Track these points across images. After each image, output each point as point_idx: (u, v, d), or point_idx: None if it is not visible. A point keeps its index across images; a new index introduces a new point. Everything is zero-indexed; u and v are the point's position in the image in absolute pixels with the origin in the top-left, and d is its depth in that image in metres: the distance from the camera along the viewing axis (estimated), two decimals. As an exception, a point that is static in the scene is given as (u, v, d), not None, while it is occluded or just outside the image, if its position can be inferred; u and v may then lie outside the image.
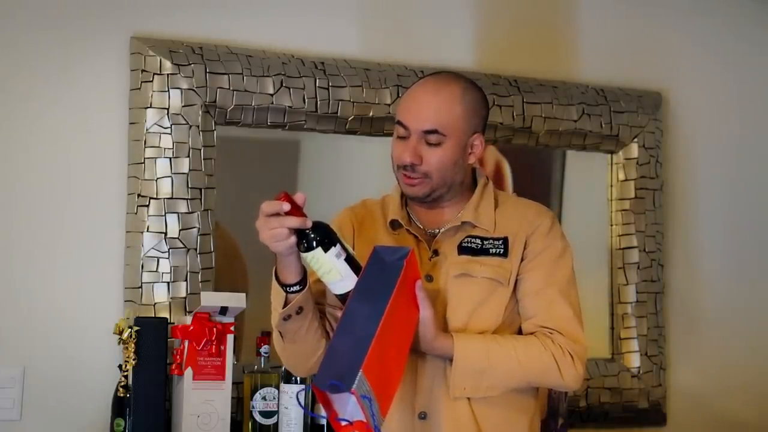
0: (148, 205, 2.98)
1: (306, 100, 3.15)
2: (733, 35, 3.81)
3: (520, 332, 2.44)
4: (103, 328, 2.87)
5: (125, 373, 2.78)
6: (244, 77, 3.08)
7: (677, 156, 3.71)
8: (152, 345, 2.78)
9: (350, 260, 2.23)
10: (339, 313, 2.27)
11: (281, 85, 3.13)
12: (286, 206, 2.19)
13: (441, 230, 2.46)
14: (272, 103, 3.12)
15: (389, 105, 3.23)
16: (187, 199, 3.01)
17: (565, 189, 3.57)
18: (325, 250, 2.20)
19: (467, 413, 2.37)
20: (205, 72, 3.04)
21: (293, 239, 2.20)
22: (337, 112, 3.19)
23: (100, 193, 3.00)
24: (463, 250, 2.44)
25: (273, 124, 3.15)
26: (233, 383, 2.87)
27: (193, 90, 3.02)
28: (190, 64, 3.03)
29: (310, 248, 2.20)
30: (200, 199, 3.03)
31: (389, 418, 2.22)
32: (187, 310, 2.96)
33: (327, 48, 3.25)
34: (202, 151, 3.04)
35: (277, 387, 2.92)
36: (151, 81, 3.00)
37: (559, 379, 2.38)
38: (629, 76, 3.64)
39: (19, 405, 2.89)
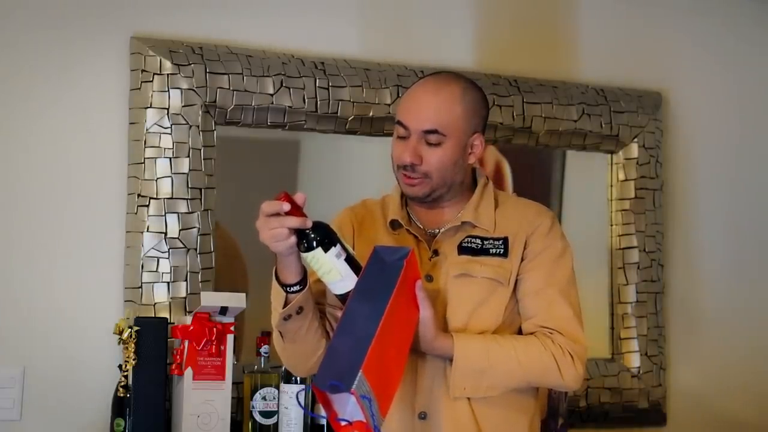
0: (148, 205, 2.98)
1: (306, 100, 3.15)
2: (733, 35, 3.81)
3: (520, 332, 2.44)
4: (103, 328, 2.87)
5: (125, 373, 2.78)
6: (244, 77, 3.08)
7: (677, 156, 3.71)
8: (152, 345, 2.78)
9: (350, 260, 2.23)
10: (339, 313, 2.27)
11: (281, 85, 3.13)
12: (286, 206, 2.19)
13: (441, 230, 2.46)
14: (272, 103, 3.12)
15: (389, 105, 3.23)
16: (187, 199, 3.01)
17: (565, 189, 3.57)
18: (325, 250, 2.20)
19: (467, 413, 2.37)
20: (205, 72, 3.04)
21: (293, 239, 2.20)
22: (337, 112, 3.19)
23: (100, 193, 3.00)
24: (463, 250, 2.44)
25: (273, 124, 3.15)
26: (233, 383, 2.87)
27: (193, 90, 3.02)
28: (190, 64, 3.03)
29: (310, 248, 2.20)
30: (200, 199, 3.03)
31: (389, 418, 2.22)
32: (187, 310, 2.96)
33: (327, 48, 3.25)
34: (202, 151, 3.04)
35: (277, 387, 2.92)
36: (151, 81, 3.00)
37: (559, 379, 2.38)
38: (629, 76, 3.64)
39: (19, 405, 2.89)
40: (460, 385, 2.34)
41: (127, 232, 3.00)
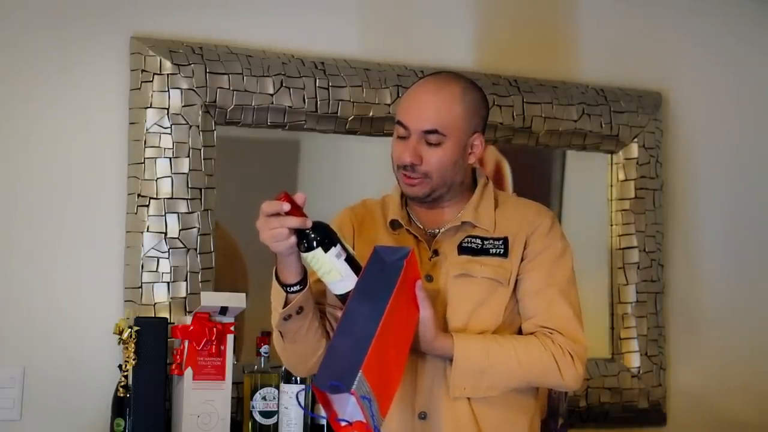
0: (148, 205, 2.98)
1: (306, 100, 3.15)
2: (733, 35, 3.81)
3: (520, 332, 2.44)
4: (103, 328, 2.87)
5: (125, 373, 2.78)
6: (244, 77, 3.08)
7: (677, 156, 3.71)
8: (152, 345, 2.78)
9: (350, 260, 2.23)
10: (339, 313, 2.27)
11: (281, 85, 3.13)
12: (287, 206, 2.19)
13: (441, 230, 2.46)
14: (272, 103, 3.12)
15: (389, 105, 3.23)
16: (187, 199, 3.01)
17: (565, 189, 3.57)
18: (326, 250, 2.20)
19: (467, 413, 2.37)
20: (205, 72, 3.04)
21: (293, 239, 2.20)
22: (337, 112, 3.19)
23: (100, 193, 3.00)
24: (463, 250, 2.44)
25: (273, 124, 3.15)
26: (233, 383, 2.87)
27: (193, 90, 3.02)
28: (190, 64, 3.03)
29: (310, 248, 2.20)
30: (200, 199, 3.03)
31: (389, 418, 2.22)
32: (187, 310, 2.96)
33: (327, 48, 3.25)
34: (202, 151, 3.04)
35: (277, 387, 2.92)
36: (151, 81, 3.00)
37: (559, 379, 2.38)
38: (629, 76, 3.64)
39: (19, 405, 2.89)
40: (460, 385, 2.34)
41: (127, 232, 3.00)
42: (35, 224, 2.93)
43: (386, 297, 2.14)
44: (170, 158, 3.00)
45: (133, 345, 2.75)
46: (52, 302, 2.93)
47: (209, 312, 2.83)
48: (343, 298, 2.22)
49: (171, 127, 3.01)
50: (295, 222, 2.19)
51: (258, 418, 2.91)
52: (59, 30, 2.98)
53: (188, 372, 2.80)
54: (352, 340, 2.08)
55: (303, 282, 2.29)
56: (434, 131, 2.39)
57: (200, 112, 3.03)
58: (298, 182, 3.26)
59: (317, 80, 3.17)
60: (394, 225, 2.48)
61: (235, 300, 2.84)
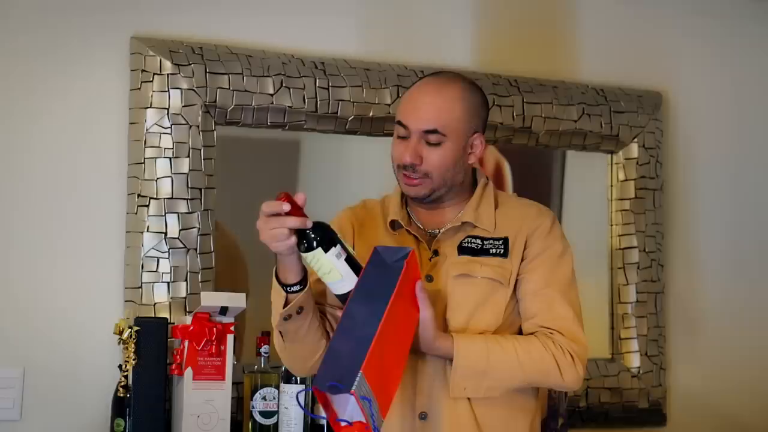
0: (148, 205, 2.98)
1: (306, 100, 3.15)
2: (733, 35, 3.81)
3: (520, 332, 2.44)
4: (103, 328, 2.87)
5: (125, 373, 2.78)
6: (244, 77, 3.08)
7: (677, 156, 3.71)
8: (152, 345, 2.78)
9: (350, 260, 2.22)
10: (339, 314, 2.27)
11: (281, 85, 3.12)
12: (287, 206, 2.18)
13: (441, 230, 2.46)
14: (272, 103, 3.12)
15: (389, 105, 3.23)
16: (187, 199, 3.01)
17: (565, 189, 3.57)
18: (326, 250, 2.20)
19: (468, 413, 2.37)
20: (205, 72, 3.04)
21: (293, 239, 2.20)
22: (337, 112, 3.19)
23: (100, 193, 3.00)
24: (463, 250, 2.44)
25: (273, 124, 3.15)
26: (233, 383, 2.87)
27: (193, 90, 3.02)
28: (190, 64, 3.03)
29: (310, 248, 2.20)
30: (200, 199, 3.03)
31: (389, 419, 2.22)
32: (187, 310, 2.96)
33: (327, 48, 3.25)
34: (202, 151, 3.03)
35: (277, 387, 2.92)
36: (151, 81, 3.00)
37: (560, 380, 2.38)
38: (629, 76, 3.64)
39: (19, 405, 2.88)
40: (461, 385, 2.34)
41: (127, 232, 3.00)
42: (35, 224, 2.93)
43: (386, 297, 2.14)
44: (170, 158, 3.00)
45: (133, 345, 2.75)
46: (52, 302, 2.93)
47: (209, 312, 2.83)
48: (343, 298, 2.22)
49: (171, 127, 3.00)
50: (295, 222, 2.19)
51: (258, 418, 2.91)
52: (59, 30, 2.98)
53: (188, 372, 2.80)
54: (352, 340, 2.08)
55: (303, 282, 2.29)
56: (434, 131, 2.39)
57: (200, 112, 3.03)
58: (298, 182, 3.26)
59: (317, 80, 3.17)
60: (394, 225, 2.48)
61: (235, 300, 2.84)
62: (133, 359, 2.75)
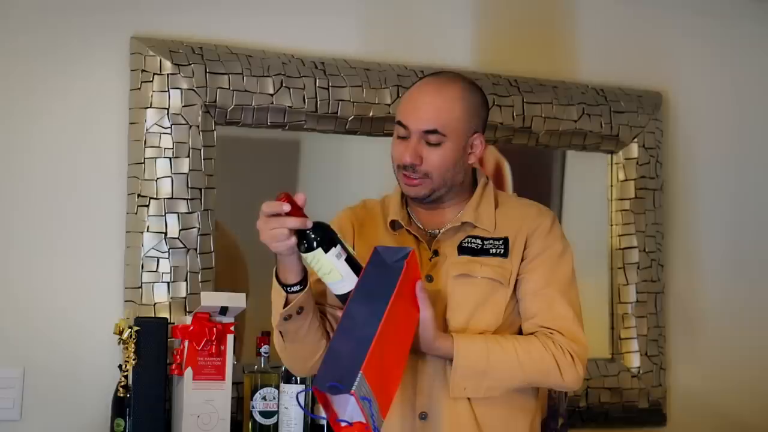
0: (148, 205, 2.98)
1: (306, 100, 3.15)
2: (733, 35, 3.81)
3: (520, 332, 2.44)
4: (103, 328, 2.87)
5: (125, 373, 2.78)
6: (244, 77, 3.08)
7: (677, 156, 3.71)
8: (152, 345, 2.78)
9: (351, 261, 2.22)
10: (339, 314, 2.27)
11: (281, 85, 3.12)
12: (287, 207, 2.18)
13: (441, 231, 2.46)
14: (272, 103, 3.11)
15: (389, 105, 3.23)
16: (187, 199, 3.01)
17: (565, 189, 3.57)
18: (326, 250, 2.20)
19: (468, 413, 2.37)
20: (205, 72, 3.04)
21: (294, 240, 2.20)
22: (337, 112, 3.19)
23: (100, 193, 3.00)
24: (463, 250, 2.44)
25: (273, 124, 3.15)
26: (233, 383, 2.86)
27: (193, 90, 3.02)
28: (190, 64, 3.03)
29: (310, 249, 2.20)
30: (200, 199, 3.03)
31: (390, 419, 2.22)
32: (187, 310, 2.96)
33: (327, 48, 3.25)
34: (202, 151, 3.03)
35: (277, 387, 2.92)
36: (151, 81, 3.00)
37: (560, 380, 2.38)
38: (629, 76, 3.64)
39: (19, 405, 2.88)
40: (461, 385, 2.34)
41: (127, 232, 2.99)
42: (35, 224, 2.93)
43: (386, 297, 2.14)
44: (170, 158, 3.00)
45: (133, 345, 2.75)
46: (53, 302, 2.93)
47: (209, 312, 2.83)
48: (343, 298, 2.22)
49: (171, 127, 3.00)
50: (295, 222, 2.18)
51: (258, 418, 2.91)
52: (59, 30, 2.98)
53: (188, 372, 2.80)
54: (352, 340, 2.08)
55: (303, 282, 2.29)
56: (434, 131, 2.39)
57: (200, 112, 3.03)
58: (298, 182, 3.26)
59: (317, 80, 3.17)
60: (395, 225, 2.48)
61: (235, 300, 2.84)
62: (133, 359, 2.75)
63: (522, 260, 2.44)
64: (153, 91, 3.00)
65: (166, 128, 3.00)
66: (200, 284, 3.00)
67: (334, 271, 2.21)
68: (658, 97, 3.65)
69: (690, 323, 3.67)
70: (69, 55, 2.99)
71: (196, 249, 3.00)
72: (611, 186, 3.60)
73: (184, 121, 3.01)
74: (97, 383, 2.91)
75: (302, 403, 2.86)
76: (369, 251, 2.25)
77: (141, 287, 2.96)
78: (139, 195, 2.98)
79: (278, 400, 2.92)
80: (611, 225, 3.58)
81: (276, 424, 2.92)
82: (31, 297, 2.92)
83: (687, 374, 3.64)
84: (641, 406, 3.52)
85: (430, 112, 2.40)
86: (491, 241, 2.44)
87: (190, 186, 3.01)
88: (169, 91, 3.00)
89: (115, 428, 2.78)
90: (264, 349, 2.92)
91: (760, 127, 3.84)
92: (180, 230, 3.00)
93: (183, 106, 3.01)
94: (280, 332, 2.35)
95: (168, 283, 2.97)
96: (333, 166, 3.30)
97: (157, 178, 2.99)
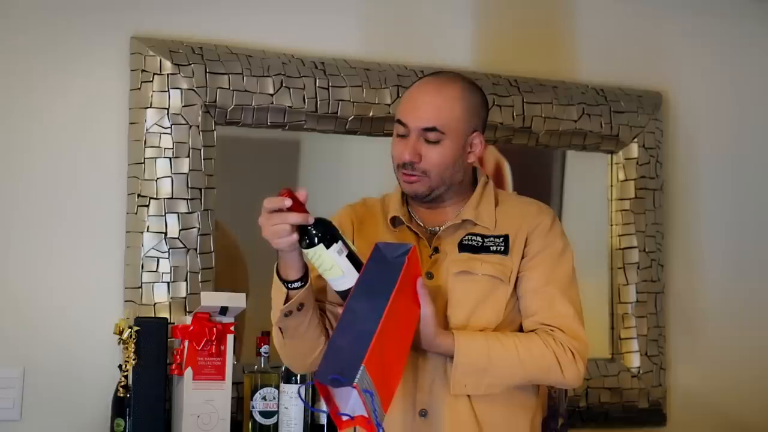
0: (148, 205, 2.98)
1: (306, 100, 3.15)
2: (733, 35, 3.81)
3: (520, 330, 2.44)
4: (103, 327, 2.86)
5: (125, 373, 2.78)
6: (244, 77, 3.08)
7: (677, 156, 3.71)
8: (152, 345, 2.77)
9: (352, 257, 2.22)
10: (339, 310, 2.27)
11: (281, 85, 3.12)
12: (288, 202, 2.18)
13: (442, 228, 2.46)
14: (272, 103, 3.12)
15: (389, 105, 3.23)
16: (187, 199, 3.01)
17: (565, 189, 3.57)
18: (327, 246, 2.20)
19: (468, 411, 2.37)
20: (205, 72, 3.04)
21: (295, 236, 2.20)
22: (337, 112, 3.19)
23: (100, 193, 3.00)
24: (463, 247, 2.44)
25: (273, 124, 3.15)
26: (233, 383, 2.86)
27: (193, 90, 3.02)
28: (190, 64, 3.03)
29: (312, 245, 2.20)
30: (200, 199, 3.03)
31: (390, 416, 2.22)
32: (187, 310, 2.96)
33: (327, 48, 3.25)
34: (202, 151, 3.03)
35: (277, 387, 2.92)
36: (151, 81, 3.00)
37: (561, 377, 2.38)
38: (629, 76, 3.64)
39: (19, 405, 2.88)
40: (461, 382, 2.34)
41: (127, 232, 2.99)
42: (35, 224, 2.93)
43: (387, 294, 2.14)
44: (170, 158, 3.00)
45: (133, 345, 2.75)
46: (52, 302, 2.93)
47: (209, 312, 2.82)
48: (344, 294, 2.22)
49: (171, 127, 3.00)
50: (296, 218, 2.18)
51: (258, 418, 2.91)
52: (59, 29, 2.98)
53: (188, 372, 2.80)
54: (353, 335, 2.08)
55: (304, 278, 2.28)
56: (433, 129, 2.39)
57: (200, 112, 3.03)
58: (298, 182, 3.26)
59: (317, 80, 3.17)
60: (395, 222, 2.48)
61: (235, 300, 2.84)
62: (133, 359, 2.75)
63: (522, 258, 2.44)
64: (153, 91, 3.00)
65: (166, 128, 3.00)
66: (200, 284, 2.99)
67: (335, 267, 2.21)
68: (658, 97, 3.65)
69: (690, 323, 3.67)
70: (69, 54, 2.99)
71: (196, 249, 3.00)
72: (611, 186, 3.60)
73: (184, 121, 3.01)
74: (97, 383, 2.91)
75: (302, 396, 2.85)
76: (369, 248, 2.25)
77: (141, 287, 2.96)
78: (139, 195, 2.98)
79: (278, 400, 2.92)
80: (611, 225, 3.58)
81: (276, 424, 2.92)
82: (31, 297, 2.92)
83: (687, 374, 3.64)
84: (641, 406, 3.52)
85: (430, 111, 2.41)
86: (491, 239, 2.44)
87: (190, 186, 3.01)
88: (169, 91, 3.00)
89: (115, 428, 2.78)
90: (264, 349, 2.92)
91: (760, 127, 3.84)
92: (180, 230, 2.99)
93: (183, 106, 3.01)
94: (280, 329, 2.35)
95: (168, 283, 2.97)
96: (333, 166, 3.31)
97: (157, 178, 2.99)
